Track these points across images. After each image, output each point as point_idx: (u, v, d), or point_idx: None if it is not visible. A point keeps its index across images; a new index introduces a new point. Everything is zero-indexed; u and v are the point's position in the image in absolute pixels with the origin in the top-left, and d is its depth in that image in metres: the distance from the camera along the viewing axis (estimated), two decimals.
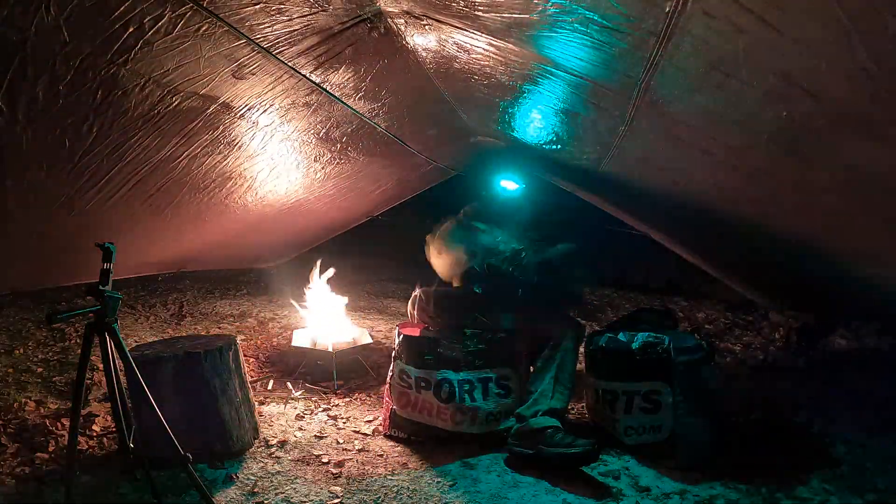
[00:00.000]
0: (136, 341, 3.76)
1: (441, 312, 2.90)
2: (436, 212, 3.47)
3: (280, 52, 1.92)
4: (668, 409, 2.47)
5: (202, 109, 2.09)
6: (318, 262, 3.71)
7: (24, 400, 2.71)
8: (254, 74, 2.02)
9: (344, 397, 3.18)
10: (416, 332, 2.85)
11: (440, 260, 3.16)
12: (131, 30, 1.51)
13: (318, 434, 2.70)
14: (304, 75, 2.11)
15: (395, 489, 2.22)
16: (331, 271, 3.69)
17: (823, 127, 1.40)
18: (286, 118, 2.53)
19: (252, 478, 2.27)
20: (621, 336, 2.67)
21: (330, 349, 3.40)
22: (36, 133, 1.75)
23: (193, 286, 5.59)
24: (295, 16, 1.75)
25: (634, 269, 6.58)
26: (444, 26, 1.91)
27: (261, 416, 2.81)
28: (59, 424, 2.51)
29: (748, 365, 4.00)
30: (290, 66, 1.98)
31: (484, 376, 2.64)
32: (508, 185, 3.66)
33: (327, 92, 2.32)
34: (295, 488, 2.20)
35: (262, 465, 2.38)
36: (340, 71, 2.26)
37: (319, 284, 3.70)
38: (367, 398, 3.17)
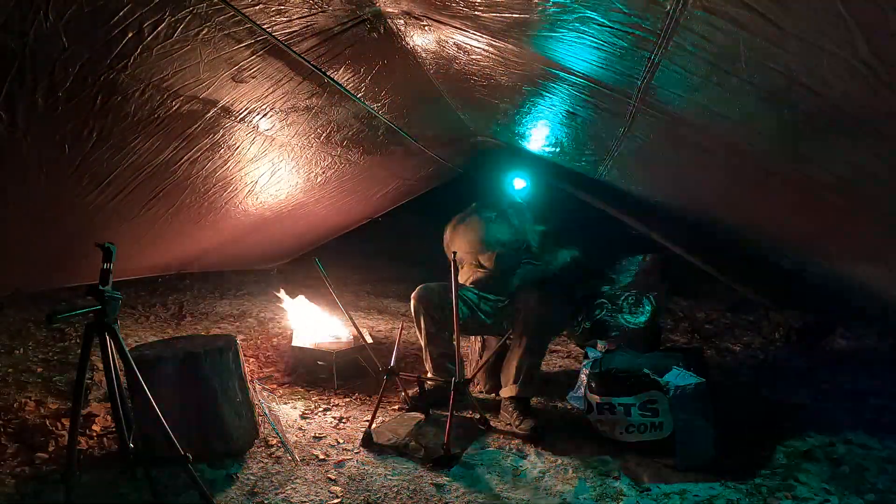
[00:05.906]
0: (136, 341, 3.76)
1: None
2: (436, 213, 3.49)
3: (280, 53, 1.92)
4: (667, 412, 2.49)
5: (202, 113, 2.09)
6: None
7: (24, 400, 2.71)
8: (254, 78, 2.02)
9: (344, 397, 3.18)
10: None
11: (461, 242, 3.26)
12: (130, 35, 1.52)
13: (318, 434, 2.70)
14: (316, 67, 2.09)
15: (395, 489, 2.23)
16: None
17: (824, 125, 1.40)
18: (286, 122, 2.54)
19: (252, 478, 2.27)
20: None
21: (330, 349, 3.41)
22: (36, 138, 1.75)
23: (193, 287, 5.61)
24: (294, 17, 1.75)
25: None
26: (443, 27, 1.92)
27: (261, 416, 2.81)
28: (59, 424, 2.51)
29: (748, 365, 4.01)
30: (296, 54, 1.95)
31: None
32: (517, 182, 3.69)
33: (335, 82, 2.29)
34: (295, 488, 2.21)
35: (262, 465, 2.38)
36: (340, 72, 2.26)
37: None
38: (367, 398, 3.17)
